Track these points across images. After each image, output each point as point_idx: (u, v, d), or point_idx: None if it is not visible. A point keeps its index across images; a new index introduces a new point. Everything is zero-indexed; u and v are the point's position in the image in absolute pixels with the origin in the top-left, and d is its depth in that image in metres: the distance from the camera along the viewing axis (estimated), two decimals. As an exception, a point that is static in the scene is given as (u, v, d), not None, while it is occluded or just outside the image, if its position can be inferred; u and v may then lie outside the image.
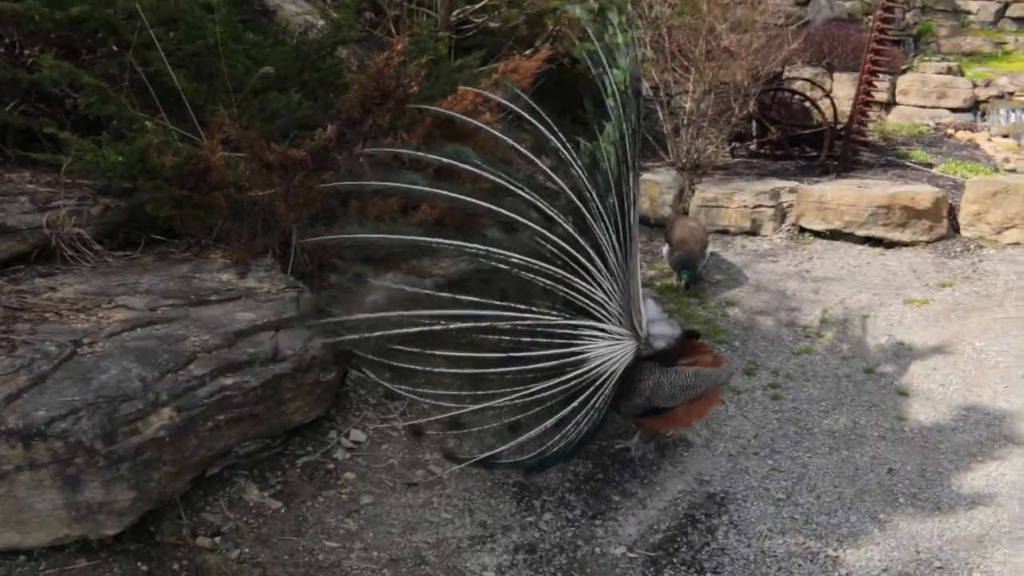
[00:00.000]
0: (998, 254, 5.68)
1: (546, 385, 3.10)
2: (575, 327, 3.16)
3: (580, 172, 3.22)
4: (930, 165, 7.05)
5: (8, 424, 2.36)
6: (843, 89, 8.39)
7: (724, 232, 6.07)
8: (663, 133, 6.75)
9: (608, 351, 3.18)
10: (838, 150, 6.95)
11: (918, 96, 9.20)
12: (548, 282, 3.16)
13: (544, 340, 3.13)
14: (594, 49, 3.39)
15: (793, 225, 6.09)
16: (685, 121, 6.58)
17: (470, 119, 3.54)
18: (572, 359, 3.14)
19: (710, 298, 5.10)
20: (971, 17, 11.58)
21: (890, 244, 5.84)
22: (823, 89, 7.53)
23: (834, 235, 5.93)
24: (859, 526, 3.22)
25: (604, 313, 3.19)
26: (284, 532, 2.81)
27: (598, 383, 3.15)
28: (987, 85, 9.42)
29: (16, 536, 2.41)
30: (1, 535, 2.40)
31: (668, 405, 3.35)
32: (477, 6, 5.81)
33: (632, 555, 3.01)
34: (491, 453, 3.15)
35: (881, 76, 7.40)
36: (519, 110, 3.32)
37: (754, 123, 7.23)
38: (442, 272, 3.56)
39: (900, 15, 10.32)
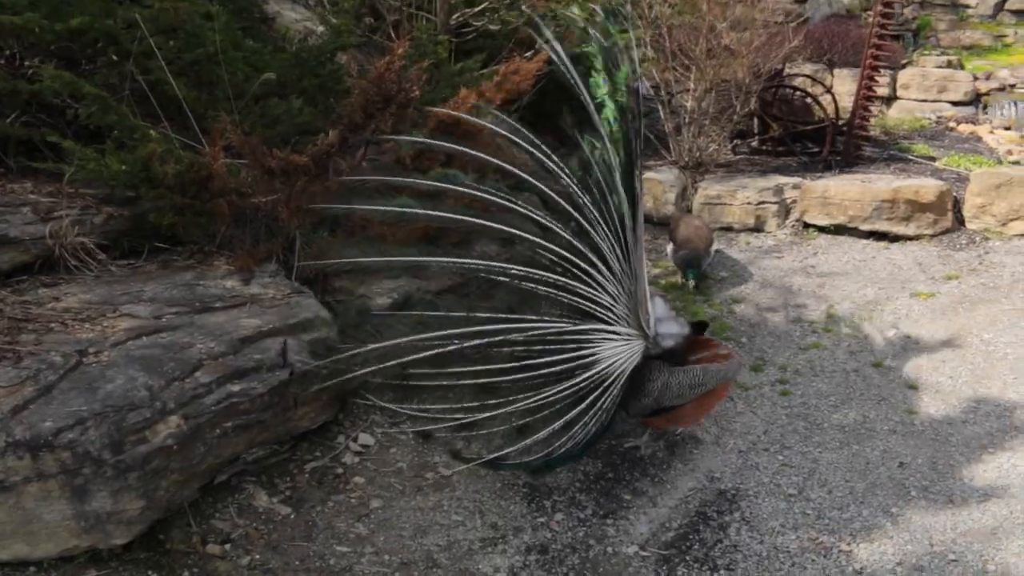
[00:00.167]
0: (1004, 246, 5.66)
1: (557, 388, 3.10)
2: (584, 331, 3.16)
3: (571, 180, 3.24)
4: (933, 159, 7.03)
5: (15, 435, 2.35)
6: (843, 85, 8.36)
7: (728, 229, 6.05)
8: (665, 132, 6.74)
9: (617, 352, 3.17)
10: (840, 145, 6.93)
11: (919, 90, 9.17)
12: (551, 290, 3.17)
13: (555, 346, 3.14)
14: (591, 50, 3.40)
15: (797, 221, 6.06)
16: (687, 119, 6.57)
17: (476, 119, 3.55)
18: (582, 361, 3.13)
19: (716, 295, 5.09)
20: (970, 11, 11.57)
21: (895, 238, 5.82)
22: (823, 85, 7.52)
23: (838, 230, 5.91)
24: (871, 520, 3.20)
25: (612, 316, 3.19)
26: (294, 538, 2.80)
27: (606, 384, 3.14)
28: (988, 78, 9.40)
29: (25, 548, 2.40)
30: (10, 547, 2.39)
31: (676, 404, 3.33)
32: (476, 9, 5.80)
33: (645, 554, 2.99)
34: (499, 454, 3.14)
35: (882, 71, 7.37)
36: (507, 134, 3.34)
37: (755, 120, 7.21)
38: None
39: (899, 10, 10.31)
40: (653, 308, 3.28)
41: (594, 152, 3.28)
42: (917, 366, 4.31)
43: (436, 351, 3.03)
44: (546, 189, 3.28)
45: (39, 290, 3.22)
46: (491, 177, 3.39)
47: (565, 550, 2.97)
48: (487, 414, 3.07)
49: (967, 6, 11.56)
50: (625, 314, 3.20)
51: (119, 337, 2.89)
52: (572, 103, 3.41)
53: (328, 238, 3.92)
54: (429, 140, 3.62)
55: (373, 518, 2.97)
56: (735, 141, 7.21)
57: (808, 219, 5.99)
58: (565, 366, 3.12)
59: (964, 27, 11.22)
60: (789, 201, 6.13)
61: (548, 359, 3.11)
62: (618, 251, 3.18)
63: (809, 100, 7.24)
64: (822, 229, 5.96)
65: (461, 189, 3.23)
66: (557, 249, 3.18)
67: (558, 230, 3.20)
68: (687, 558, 2.99)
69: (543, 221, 3.20)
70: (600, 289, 3.18)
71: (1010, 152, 7.21)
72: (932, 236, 5.80)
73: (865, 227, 5.84)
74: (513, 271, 3.16)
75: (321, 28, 5.57)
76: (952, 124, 8.40)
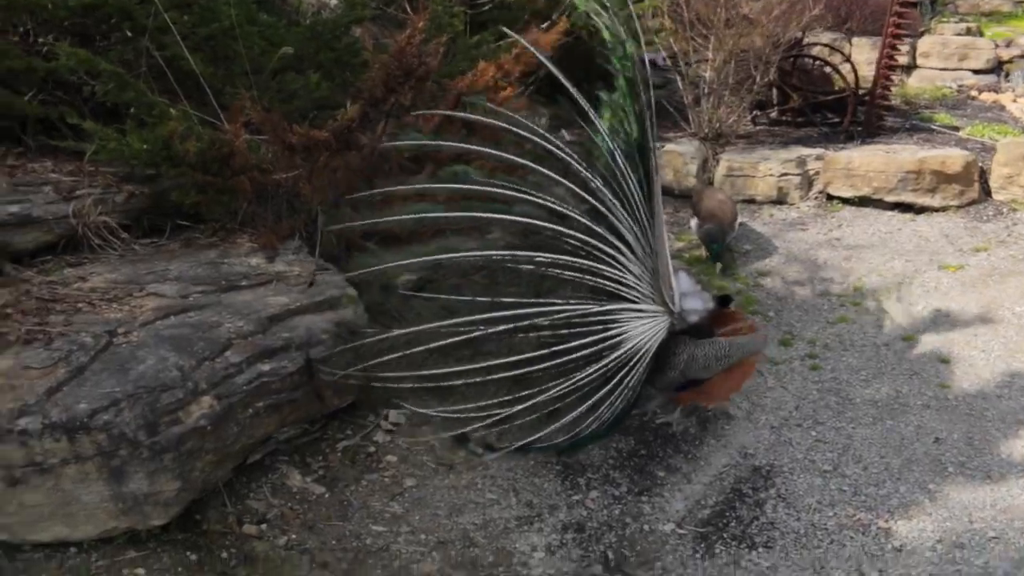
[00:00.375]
0: (1032, 216, 5.57)
1: (586, 372, 3.07)
2: (610, 311, 3.12)
3: (581, 167, 3.21)
4: (956, 128, 6.91)
5: (52, 417, 2.32)
6: (862, 54, 8.22)
7: (751, 201, 5.96)
8: (683, 103, 6.64)
9: (643, 329, 3.15)
10: (861, 115, 6.82)
11: (939, 58, 9.00)
12: (577, 275, 3.14)
13: (582, 328, 3.10)
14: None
15: (821, 193, 5.97)
16: (706, 90, 6.45)
17: (490, 120, 3.45)
18: (610, 342, 3.10)
19: (741, 269, 5.02)
20: (989, -24, 11.35)
21: (920, 209, 5.72)
22: (843, 54, 7.38)
23: (863, 202, 5.81)
24: (909, 497, 3.16)
25: (637, 294, 3.15)
26: (330, 517, 2.77)
27: (632, 362, 3.12)
28: (1008, 45, 9.22)
29: (64, 529, 2.38)
30: (50, 528, 2.37)
31: (703, 376, 3.30)
32: (492, -21, 5.70)
33: (681, 531, 2.96)
34: (528, 440, 3.11)
35: (904, 39, 7.23)
36: (517, 130, 3.28)
37: (775, 91, 7.09)
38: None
39: (917, -23, 10.10)
40: (677, 283, 3.25)
41: (609, 130, 3.27)
42: (948, 340, 4.24)
43: (463, 337, 2.98)
44: (555, 176, 3.23)
45: (64, 270, 3.18)
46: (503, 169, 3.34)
47: (601, 528, 2.94)
48: (520, 406, 3.02)
49: (986, -29, 11.34)
50: (650, 291, 3.16)
51: (147, 317, 2.85)
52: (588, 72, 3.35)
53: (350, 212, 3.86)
54: (436, 141, 3.53)
55: (407, 497, 2.94)
56: (755, 112, 7.09)
57: (832, 191, 5.89)
58: (594, 348, 3.09)
59: (984, -8, 11.02)
60: (812, 173, 6.03)
61: (577, 343, 3.07)
62: (637, 229, 3.15)
63: (828, 70, 7.12)
64: (846, 201, 5.87)
65: (472, 187, 3.20)
66: (578, 234, 3.15)
67: (575, 216, 3.16)
68: (724, 535, 2.96)
69: (559, 208, 3.17)
70: (624, 269, 3.16)
71: (1035, 121, 7.09)
72: (958, 207, 5.70)
73: (890, 199, 5.74)
74: (539, 258, 3.13)
75: (334, 1, 5.48)
76: (974, 93, 8.25)
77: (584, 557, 2.81)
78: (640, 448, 3.39)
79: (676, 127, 6.73)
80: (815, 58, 7.22)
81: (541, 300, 3.09)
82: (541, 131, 3.29)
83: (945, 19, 10.12)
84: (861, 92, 6.84)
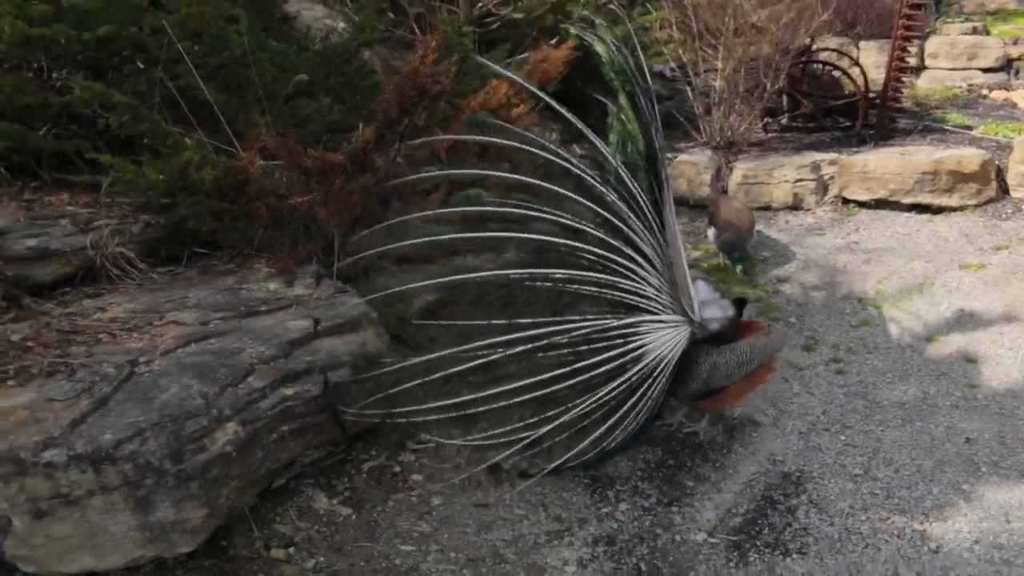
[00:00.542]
0: (1052, 213, 5.51)
1: (611, 386, 3.03)
2: (630, 324, 3.09)
3: (594, 181, 3.19)
4: (969, 127, 6.86)
5: (76, 449, 2.31)
6: (870, 57, 8.19)
7: (766, 208, 5.93)
8: (694, 113, 6.63)
9: (664, 339, 3.12)
10: (872, 119, 6.79)
11: (948, 59, 8.96)
12: (595, 289, 3.11)
13: (603, 343, 3.06)
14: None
15: (836, 197, 5.94)
16: (716, 99, 6.45)
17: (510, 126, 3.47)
18: (633, 355, 3.07)
19: (760, 276, 4.98)
20: (994, -25, 11.32)
21: (938, 210, 5.67)
22: (851, 58, 7.37)
23: (879, 204, 5.77)
24: (943, 498, 3.10)
25: (657, 305, 3.13)
26: (357, 539, 2.75)
27: (655, 373, 3.09)
28: (1016, 43, 9.16)
29: (92, 560, 2.36)
30: (78, 559, 2.36)
31: (724, 384, 3.27)
32: (499, -2, 5.75)
33: (714, 540, 2.91)
34: (560, 462, 3.06)
35: (913, 41, 7.21)
36: (530, 148, 3.27)
37: (785, 97, 7.08)
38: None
39: (921, -22, 10.08)
40: (696, 292, 3.22)
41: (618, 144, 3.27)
42: (974, 339, 4.18)
43: (481, 360, 2.94)
44: (569, 192, 3.22)
45: (83, 301, 3.19)
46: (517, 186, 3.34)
47: (632, 540, 2.90)
48: (547, 427, 2.98)
49: (991, -30, 11.31)
50: (669, 302, 3.14)
51: (168, 345, 2.85)
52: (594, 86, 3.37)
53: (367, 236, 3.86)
54: (448, 171, 3.53)
55: (435, 515, 2.91)
56: (766, 119, 7.09)
57: (847, 195, 5.86)
58: (617, 363, 3.05)
59: (989, -8, 10.99)
60: (826, 177, 6.00)
61: (599, 358, 3.03)
62: (653, 240, 3.15)
63: (838, 74, 7.10)
64: (862, 204, 5.83)
65: (486, 208, 3.19)
66: (594, 248, 3.12)
67: (590, 230, 3.14)
68: (757, 543, 2.91)
69: (574, 224, 3.15)
70: (642, 281, 3.13)
71: (1048, 117, 7.03)
72: (976, 206, 5.65)
73: (907, 200, 5.70)
74: (556, 275, 3.10)
75: (342, 25, 5.53)
76: (984, 91, 8.20)
77: (616, 570, 2.77)
78: (668, 458, 3.35)
79: (687, 137, 6.72)
80: (824, 63, 7.20)
81: (558, 319, 3.05)
82: (553, 147, 3.28)
83: (950, 19, 10.09)
84: (871, 95, 6.82)
